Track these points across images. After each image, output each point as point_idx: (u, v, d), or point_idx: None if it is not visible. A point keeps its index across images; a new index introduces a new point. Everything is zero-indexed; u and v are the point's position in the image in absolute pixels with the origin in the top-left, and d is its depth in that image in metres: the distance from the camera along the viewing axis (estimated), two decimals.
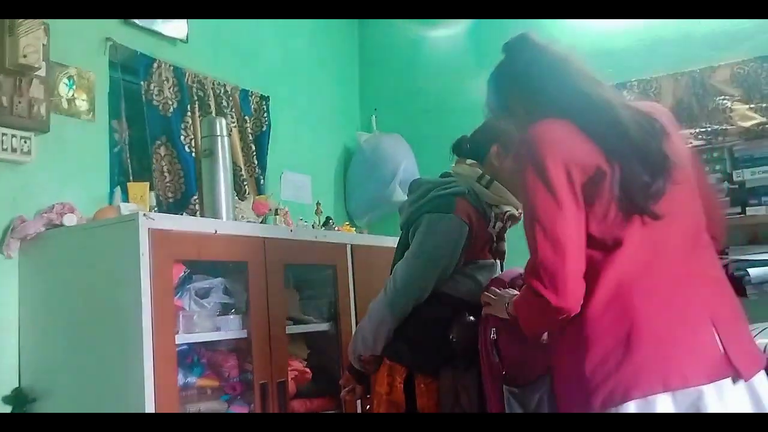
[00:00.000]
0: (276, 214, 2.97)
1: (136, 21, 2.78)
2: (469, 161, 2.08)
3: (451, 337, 1.91)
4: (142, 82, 2.80)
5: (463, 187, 1.98)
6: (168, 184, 2.81)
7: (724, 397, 1.35)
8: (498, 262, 2.07)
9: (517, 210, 2.02)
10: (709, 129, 3.11)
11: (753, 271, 2.81)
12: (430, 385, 1.89)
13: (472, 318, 1.89)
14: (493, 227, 1.98)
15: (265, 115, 3.36)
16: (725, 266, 2.81)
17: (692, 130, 3.11)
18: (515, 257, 3.42)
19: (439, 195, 1.95)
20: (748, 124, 3.04)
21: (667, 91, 3.25)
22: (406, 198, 2.13)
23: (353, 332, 2.07)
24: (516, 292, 1.76)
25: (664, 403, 1.33)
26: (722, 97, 3.11)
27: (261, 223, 2.86)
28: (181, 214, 2.65)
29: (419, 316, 1.93)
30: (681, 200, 1.46)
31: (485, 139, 2.07)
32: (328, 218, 3.16)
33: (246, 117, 3.24)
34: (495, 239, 2.01)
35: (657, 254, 1.41)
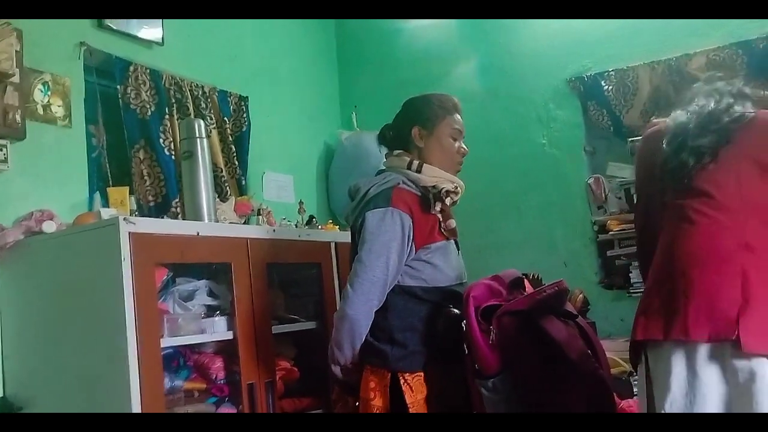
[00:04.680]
0: (258, 214, 2.96)
1: (111, 24, 2.75)
2: (396, 152, 2.12)
3: (437, 331, 1.93)
4: (118, 86, 2.77)
5: (398, 178, 2.02)
6: (148, 188, 2.79)
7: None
8: (452, 240, 2.09)
9: (452, 183, 2.04)
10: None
11: None
12: (416, 379, 1.90)
13: (456, 311, 1.90)
14: (434, 208, 2.00)
15: (245, 115, 3.35)
16: None
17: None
18: (510, 250, 3.48)
19: (376, 193, 1.99)
20: None
21: (644, 80, 3.27)
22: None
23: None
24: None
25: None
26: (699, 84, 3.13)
27: (244, 224, 2.85)
28: (163, 218, 2.64)
29: (400, 316, 1.94)
30: None
31: (404, 123, 2.13)
32: (311, 217, 3.16)
33: (225, 118, 3.22)
34: (441, 219, 2.03)
35: None
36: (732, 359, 1.42)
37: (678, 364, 1.46)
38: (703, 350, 1.45)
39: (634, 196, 3.13)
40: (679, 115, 1.72)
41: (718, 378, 1.44)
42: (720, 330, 1.42)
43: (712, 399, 1.44)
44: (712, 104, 1.67)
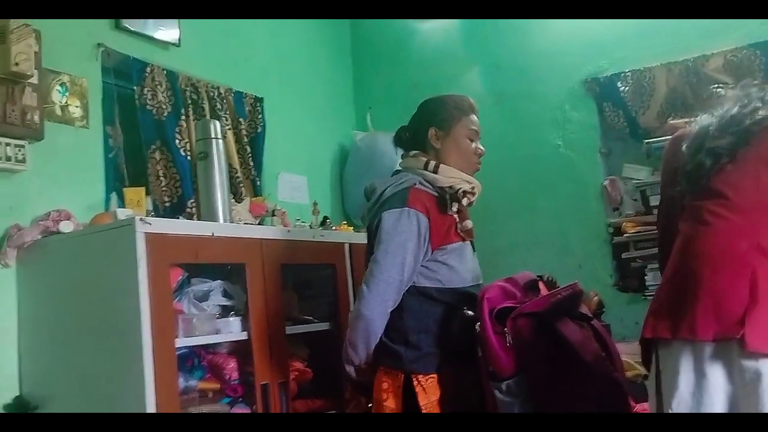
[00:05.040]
0: (273, 215, 2.97)
1: (128, 26, 2.78)
2: (412, 152, 2.12)
3: (451, 332, 1.92)
4: (135, 87, 2.79)
5: (414, 179, 2.01)
6: (164, 189, 2.80)
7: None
8: (468, 241, 2.08)
9: (469, 184, 2.04)
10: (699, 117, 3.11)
11: None
12: (430, 381, 1.89)
13: (471, 312, 1.89)
14: (451, 209, 1.99)
15: (260, 116, 3.36)
16: None
17: (687, 120, 3.10)
18: (524, 251, 3.46)
19: (393, 193, 1.99)
20: None
21: (661, 81, 3.25)
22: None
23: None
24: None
25: None
26: (716, 85, 3.10)
27: (258, 224, 2.86)
28: (178, 218, 2.65)
29: (415, 317, 1.94)
30: None
31: (420, 124, 2.13)
32: (325, 218, 3.16)
33: (240, 119, 3.24)
34: (458, 220, 2.02)
35: None
36: (739, 359, 1.42)
37: (686, 363, 1.47)
38: (710, 349, 1.45)
39: (651, 198, 3.14)
40: (704, 119, 1.73)
41: (725, 377, 1.45)
42: (726, 329, 1.42)
43: (718, 398, 1.45)
44: (737, 108, 1.66)
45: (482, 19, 3.74)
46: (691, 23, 3.19)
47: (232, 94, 3.23)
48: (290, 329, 2.52)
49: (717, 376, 1.44)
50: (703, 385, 1.45)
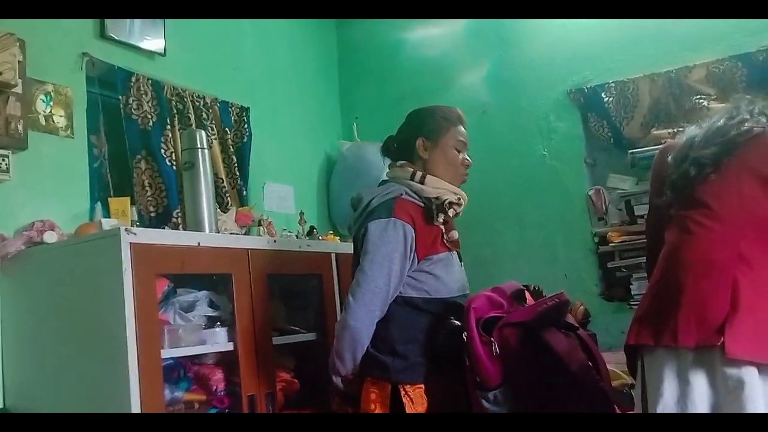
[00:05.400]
0: (259, 225, 2.96)
1: (113, 35, 2.77)
2: (399, 162, 2.13)
3: (438, 342, 1.92)
4: (120, 97, 2.78)
5: (401, 189, 2.02)
6: (150, 198, 2.79)
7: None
8: (454, 252, 2.09)
9: (455, 195, 2.04)
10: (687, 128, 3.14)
11: None
12: (417, 391, 1.89)
13: (458, 323, 1.90)
14: (437, 219, 2.00)
15: (246, 126, 3.35)
16: None
17: (670, 130, 3.14)
18: (511, 261, 3.48)
19: (379, 203, 1.99)
20: None
21: (644, 92, 3.28)
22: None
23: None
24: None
25: None
26: (699, 96, 3.14)
27: (244, 234, 2.85)
28: (164, 228, 2.64)
29: (401, 327, 1.94)
30: None
31: (409, 134, 2.14)
32: (311, 228, 3.16)
33: (226, 129, 3.23)
34: (444, 230, 2.03)
35: None
36: (722, 367, 1.43)
37: (669, 371, 1.48)
38: (693, 357, 1.46)
39: (636, 207, 3.17)
40: (691, 130, 1.76)
41: (708, 385, 1.46)
42: (707, 337, 1.44)
43: (702, 406, 1.45)
44: (723, 120, 1.69)
45: (468, 31, 3.77)
46: (674, 35, 3.23)
47: (218, 104, 3.22)
48: (277, 340, 2.51)
49: (700, 384, 1.45)
50: (687, 393, 1.46)
